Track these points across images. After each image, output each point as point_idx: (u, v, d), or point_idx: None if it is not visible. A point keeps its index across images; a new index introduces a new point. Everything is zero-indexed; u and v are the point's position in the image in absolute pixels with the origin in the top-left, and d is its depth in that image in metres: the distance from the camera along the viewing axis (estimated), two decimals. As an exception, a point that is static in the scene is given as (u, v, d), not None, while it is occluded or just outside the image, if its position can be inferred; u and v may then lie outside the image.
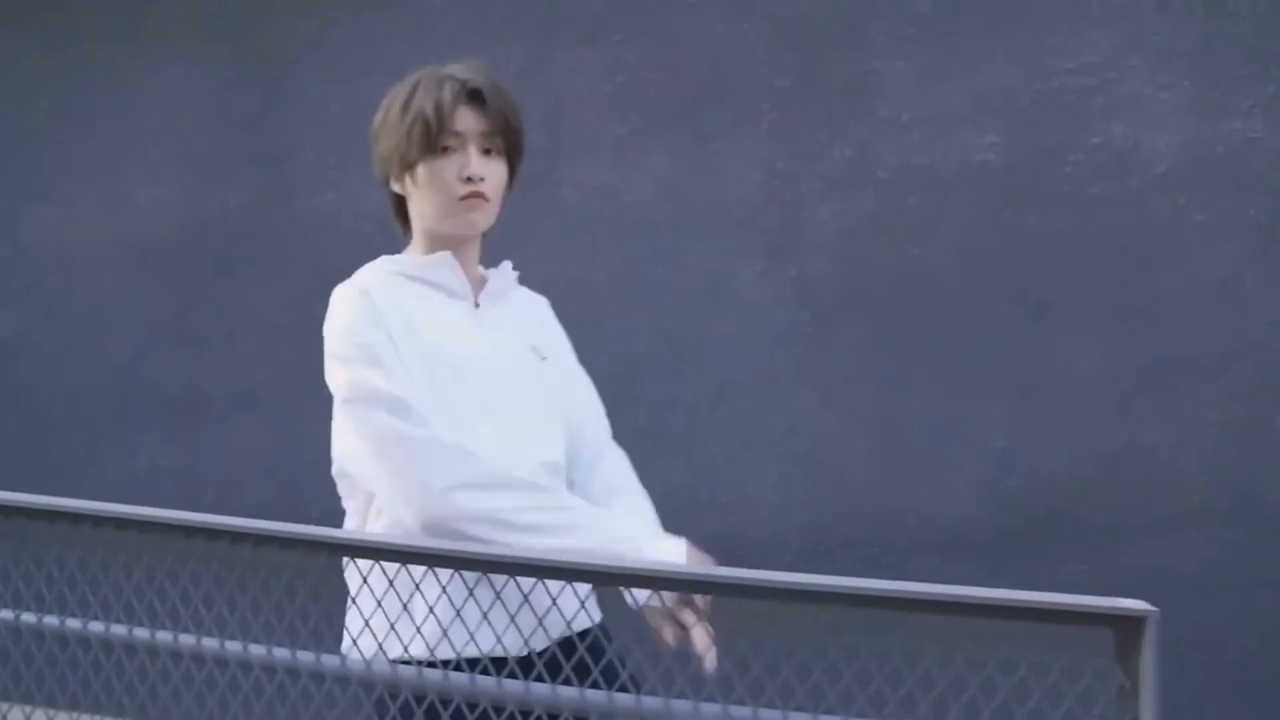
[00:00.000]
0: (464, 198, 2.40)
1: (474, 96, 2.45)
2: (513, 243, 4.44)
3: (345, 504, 2.38)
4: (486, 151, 2.44)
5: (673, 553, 2.24)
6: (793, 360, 4.11)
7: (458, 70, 2.48)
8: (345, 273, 4.66)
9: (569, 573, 1.66)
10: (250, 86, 4.89)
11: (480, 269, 2.54)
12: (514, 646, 2.24)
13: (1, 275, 5.33)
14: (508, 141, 2.47)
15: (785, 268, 4.13)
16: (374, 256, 4.61)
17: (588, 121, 4.31)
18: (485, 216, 2.44)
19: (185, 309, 4.97)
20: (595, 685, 2.16)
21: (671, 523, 4.26)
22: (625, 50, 4.26)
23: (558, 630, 2.33)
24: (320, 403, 4.70)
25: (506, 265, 2.57)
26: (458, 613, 1.84)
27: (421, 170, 2.42)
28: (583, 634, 2.39)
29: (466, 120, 2.43)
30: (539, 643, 2.29)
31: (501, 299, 2.52)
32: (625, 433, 4.27)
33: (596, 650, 2.39)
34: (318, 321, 4.74)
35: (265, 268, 4.82)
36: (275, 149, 4.82)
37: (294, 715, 2.13)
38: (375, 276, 2.41)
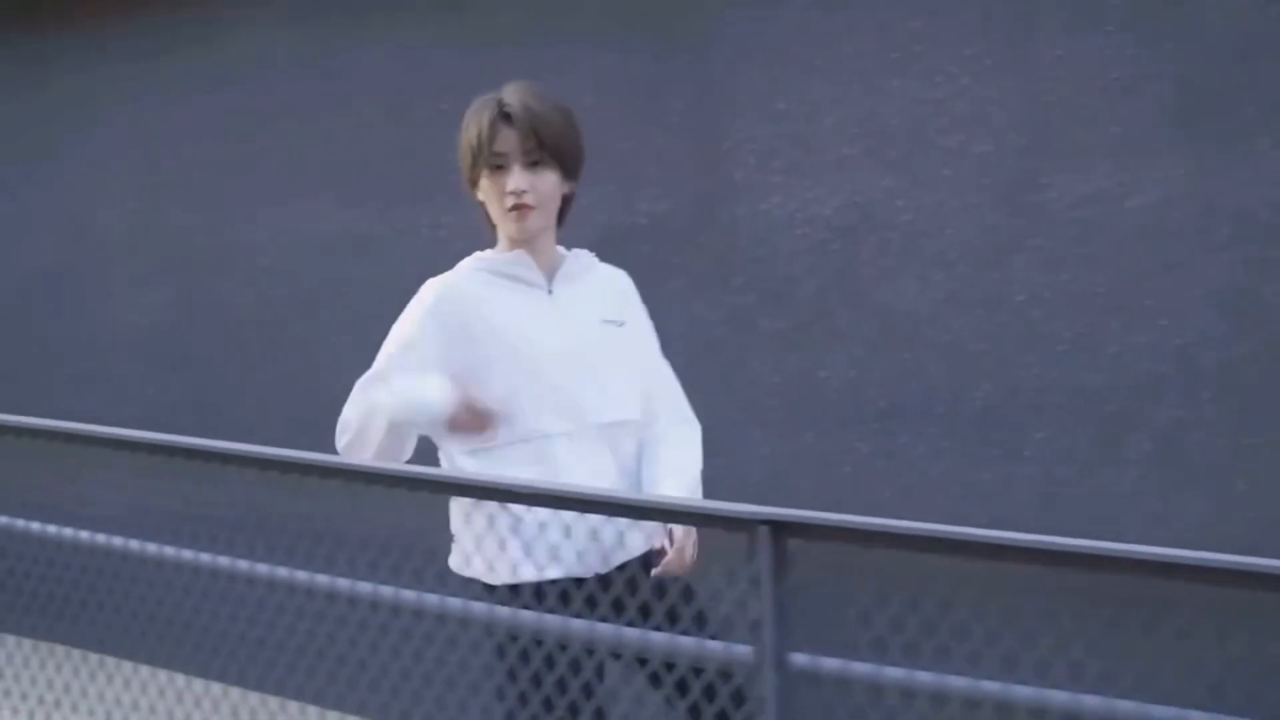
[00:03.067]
0: (510, 209, 2.88)
1: (508, 118, 2.87)
2: (992, 252, 4.13)
3: None
4: (535, 163, 2.89)
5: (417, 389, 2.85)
6: (1324, 383, 3.72)
7: (504, 93, 2.90)
8: (794, 282, 4.41)
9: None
10: (680, 81, 4.65)
11: (561, 251, 3.04)
12: (588, 570, 2.83)
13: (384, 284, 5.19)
14: (550, 153, 2.88)
15: (1316, 281, 3.73)
16: (828, 265, 4.35)
17: (1078, 122, 3.96)
18: (535, 222, 2.92)
19: (608, 319, 4.74)
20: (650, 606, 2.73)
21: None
22: (1123, 42, 3.90)
23: (619, 557, 2.86)
24: (764, 424, 4.45)
25: (579, 253, 3.07)
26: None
27: (483, 184, 2.92)
28: (630, 561, 2.91)
29: (507, 140, 2.87)
30: (605, 565, 2.87)
31: (576, 280, 3.00)
32: (1130, 460, 3.94)
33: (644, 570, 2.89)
34: (765, 336, 4.48)
35: (700, 278, 4.57)
36: (711, 149, 4.56)
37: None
38: (461, 273, 2.95)
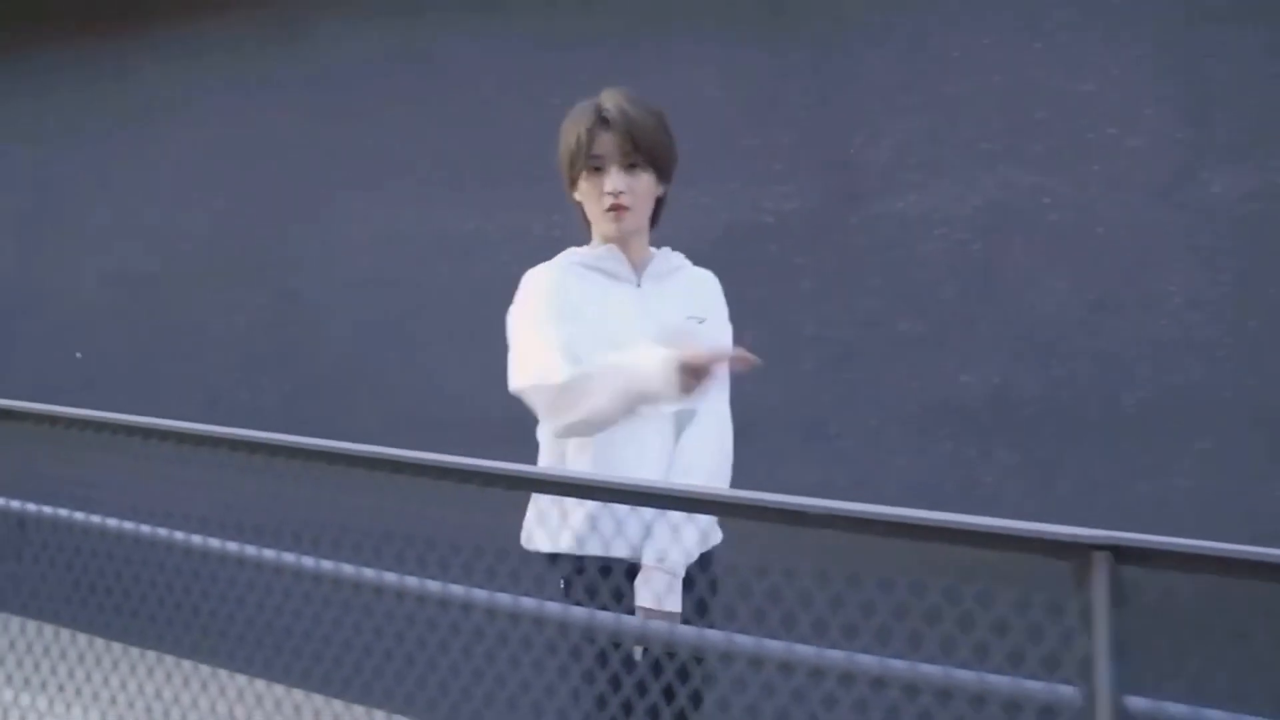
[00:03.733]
0: (608, 209, 3.00)
1: (606, 122, 2.99)
2: (1147, 252, 3.92)
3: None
4: (631, 166, 3.00)
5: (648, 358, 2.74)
6: None
7: (601, 99, 3.03)
8: (933, 285, 4.20)
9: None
10: (808, 75, 4.45)
11: (652, 251, 3.10)
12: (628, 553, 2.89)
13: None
14: (645, 156, 2.99)
15: None
16: (969, 267, 4.15)
17: (1242, 112, 3.74)
18: (630, 222, 3.02)
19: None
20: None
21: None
22: (1290, 28, 3.67)
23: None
24: (901, 432, 4.25)
25: (669, 253, 3.13)
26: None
27: (581, 185, 3.04)
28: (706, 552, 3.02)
29: (605, 143, 2.99)
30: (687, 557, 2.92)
31: (665, 278, 3.08)
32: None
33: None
34: (902, 340, 4.27)
35: (830, 280, 4.37)
36: (840, 145, 4.37)
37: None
38: (558, 264, 3.06)
